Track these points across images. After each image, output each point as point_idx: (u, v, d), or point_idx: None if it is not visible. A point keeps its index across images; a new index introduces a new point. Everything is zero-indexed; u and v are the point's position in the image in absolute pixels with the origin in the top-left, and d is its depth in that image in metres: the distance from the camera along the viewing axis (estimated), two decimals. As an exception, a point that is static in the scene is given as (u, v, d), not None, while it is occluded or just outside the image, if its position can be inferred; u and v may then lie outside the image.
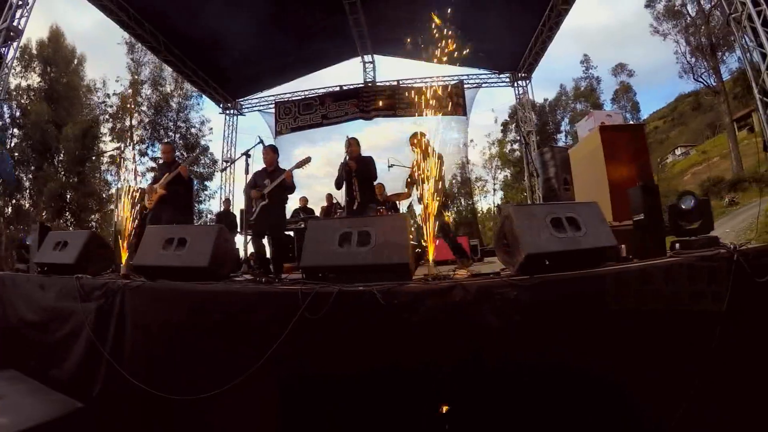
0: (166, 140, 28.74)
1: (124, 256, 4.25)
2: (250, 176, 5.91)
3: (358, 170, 5.97)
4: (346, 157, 6.07)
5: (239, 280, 3.66)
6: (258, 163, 6.17)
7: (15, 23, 8.02)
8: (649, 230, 3.39)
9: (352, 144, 6.12)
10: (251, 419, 2.82)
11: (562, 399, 2.37)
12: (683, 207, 3.23)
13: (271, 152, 6.03)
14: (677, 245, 3.06)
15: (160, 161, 6.18)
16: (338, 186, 6.28)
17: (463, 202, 36.25)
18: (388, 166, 7.02)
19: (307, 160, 5.88)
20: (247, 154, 5.70)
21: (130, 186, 4.88)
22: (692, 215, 3.22)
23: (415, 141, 5.09)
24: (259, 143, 6.10)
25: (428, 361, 2.47)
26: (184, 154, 27.91)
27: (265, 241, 5.92)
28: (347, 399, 2.61)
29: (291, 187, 5.87)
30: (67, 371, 3.45)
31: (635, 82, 37.32)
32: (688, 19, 24.97)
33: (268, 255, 6.00)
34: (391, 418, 2.53)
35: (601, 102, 36.29)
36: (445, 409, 2.43)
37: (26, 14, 8.13)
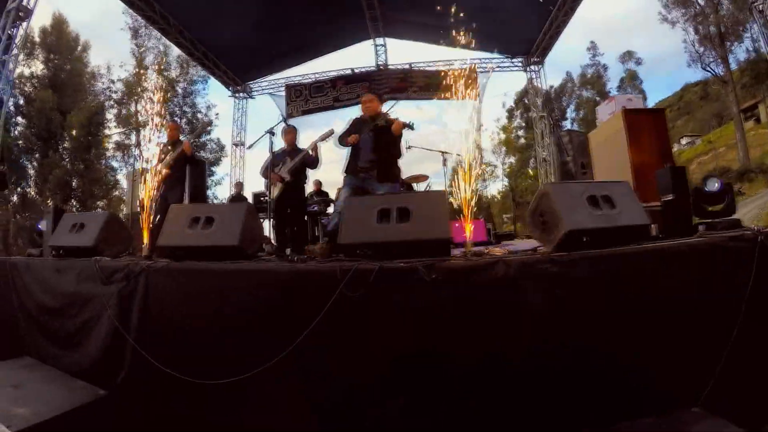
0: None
1: (145, 236, 4.07)
2: (269, 156, 5.73)
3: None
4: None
5: (270, 260, 3.49)
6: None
7: (24, 2, 7.78)
8: (679, 211, 3.41)
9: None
10: (284, 404, 2.69)
11: (599, 374, 2.36)
12: (707, 189, 3.34)
13: (293, 131, 5.88)
14: (700, 227, 3.15)
15: (164, 142, 5.96)
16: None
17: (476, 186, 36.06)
18: (407, 147, 6.90)
19: (330, 133, 5.68)
20: (271, 132, 5.50)
21: (148, 167, 4.68)
22: (716, 198, 3.34)
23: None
24: (281, 122, 5.93)
25: (471, 336, 2.43)
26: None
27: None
28: (389, 381, 2.52)
29: (315, 161, 5.71)
30: (89, 357, 3.27)
31: (640, 71, 36.88)
32: (698, 7, 24.54)
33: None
34: (435, 399, 2.46)
35: (607, 90, 35.95)
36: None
37: (35, -9, 7.87)
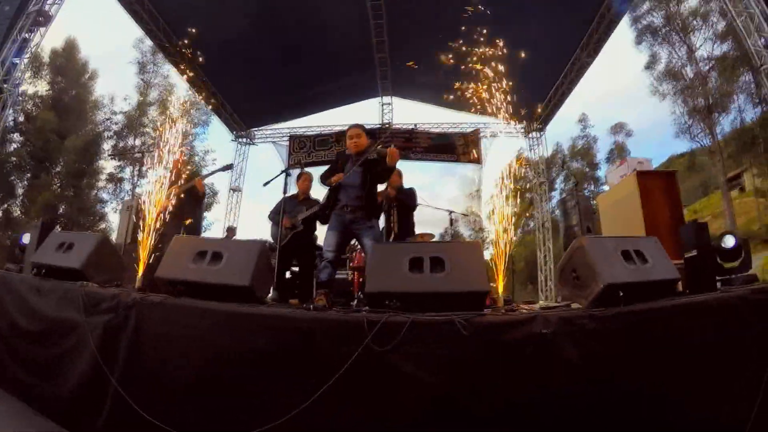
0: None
1: (141, 267, 3.74)
2: (282, 200, 5.49)
3: (399, 202, 5.55)
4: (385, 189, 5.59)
5: (284, 306, 3.18)
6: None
7: (46, 8, 7.67)
8: (703, 267, 3.39)
9: (395, 174, 5.74)
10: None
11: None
12: (724, 246, 3.46)
13: (309, 179, 5.68)
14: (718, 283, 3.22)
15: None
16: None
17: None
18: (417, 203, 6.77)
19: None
20: (287, 172, 5.25)
21: (148, 195, 4.41)
22: (733, 254, 3.45)
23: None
24: (299, 171, 5.74)
25: (503, 390, 2.33)
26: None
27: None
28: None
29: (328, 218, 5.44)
30: (65, 394, 2.89)
31: (628, 142, 37.70)
32: (687, 80, 25.49)
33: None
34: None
35: (596, 161, 36.54)
36: None
37: (59, 2, 7.80)
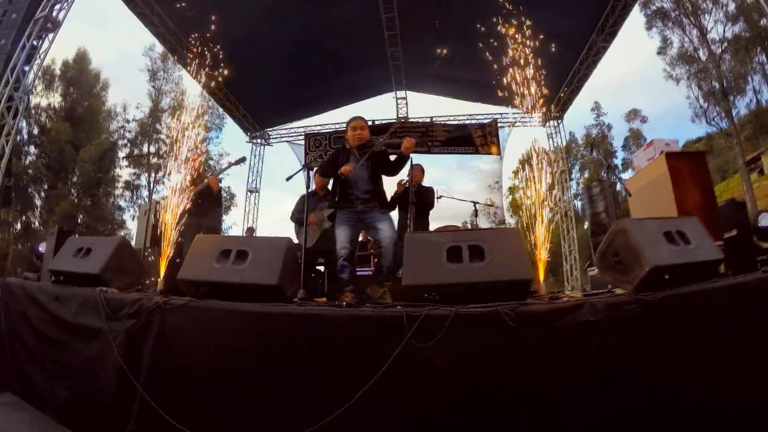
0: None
1: (162, 269, 3.61)
2: (301, 198, 5.36)
3: (419, 197, 5.37)
4: (404, 180, 5.44)
5: (315, 304, 3.03)
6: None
7: (54, 14, 7.63)
8: (743, 247, 3.39)
9: (417, 169, 5.56)
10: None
11: (691, 417, 2.17)
12: (760, 225, 3.39)
13: None
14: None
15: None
16: (391, 207, 4.94)
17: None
18: (437, 197, 6.63)
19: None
20: (309, 167, 5.09)
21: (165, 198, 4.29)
22: None
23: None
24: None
25: (556, 385, 2.22)
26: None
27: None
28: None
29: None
30: (90, 404, 2.78)
31: (643, 129, 37.14)
32: (700, 63, 24.97)
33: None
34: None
35: (613, 149, 36.04)
36: None
37: (66, 7, 7.75)
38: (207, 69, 10.05)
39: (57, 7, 7.65)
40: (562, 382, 2.20)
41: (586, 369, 2.20)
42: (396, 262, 3.94)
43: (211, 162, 30.79)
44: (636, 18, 26.19)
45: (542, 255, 3.12)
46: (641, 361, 2.20)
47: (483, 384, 2.21)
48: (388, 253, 4.10)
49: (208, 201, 5.68)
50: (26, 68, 7.41)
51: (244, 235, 10.70)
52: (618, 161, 35.45)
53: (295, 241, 5.54)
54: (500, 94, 6.03)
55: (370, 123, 14.45)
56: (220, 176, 6.22)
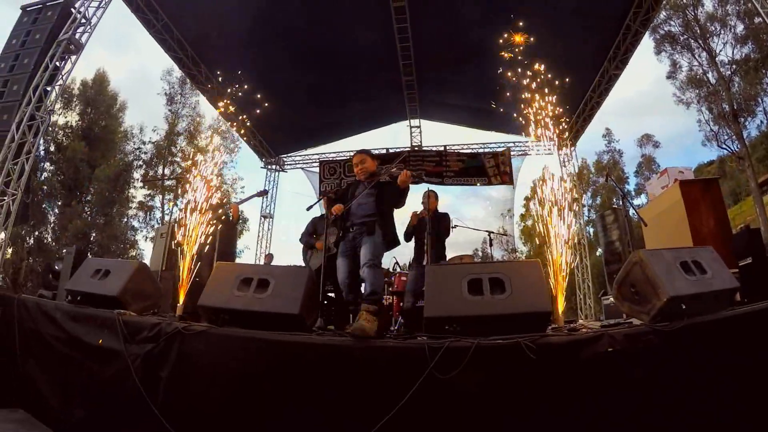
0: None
1: (182, 295, 3.60)
2: (308, 223, 5.37)
3: (433, 226, 5.36)
4: (418, 211, 5.51)
5: (330, 333, 3.02)
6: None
7: (77, 36, 7.79)
8: (759, 274, 3.40)
9: (431, 197, 5.57)
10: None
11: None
12: None
13: None
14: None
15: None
16: (408, 238, 5.54)
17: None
18: (452, 226, 6.58)
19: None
20: (327, 196, 5.10)
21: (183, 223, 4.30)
22: None
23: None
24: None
25: (576, 415, 2.22)
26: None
27: None
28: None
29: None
30: (106, 423, 2.78)
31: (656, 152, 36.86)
32: (710, 87, 24.86)
33: None
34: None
35: (624, 176, 35.75)
36: None
37: (89, 30, 7.91)
38: (230, 101, 10.25)
39: (80, 30, 7.82)
40: (582, 412, 2.20)
41: (606, 399, 2.20)
42: (372, 288, 3.64)
43: (224, 186, 30.94)
44: (645, 41, 26.16)
45: (562, 286, 3.10)
46: (660, 391, 2.20)
47: (503, 413, 2.22)
48: (365, 277, 3.84)
49: (225, 227, 5.71)
50: (48, 88, 7.51)
51: (263, 261, 10.66)
52: (630, 187, 35.12)
53: (301, 263, 5.59)
54: (514, 120, 6.03)
55: (383, 151, 14.64)
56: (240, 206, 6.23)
